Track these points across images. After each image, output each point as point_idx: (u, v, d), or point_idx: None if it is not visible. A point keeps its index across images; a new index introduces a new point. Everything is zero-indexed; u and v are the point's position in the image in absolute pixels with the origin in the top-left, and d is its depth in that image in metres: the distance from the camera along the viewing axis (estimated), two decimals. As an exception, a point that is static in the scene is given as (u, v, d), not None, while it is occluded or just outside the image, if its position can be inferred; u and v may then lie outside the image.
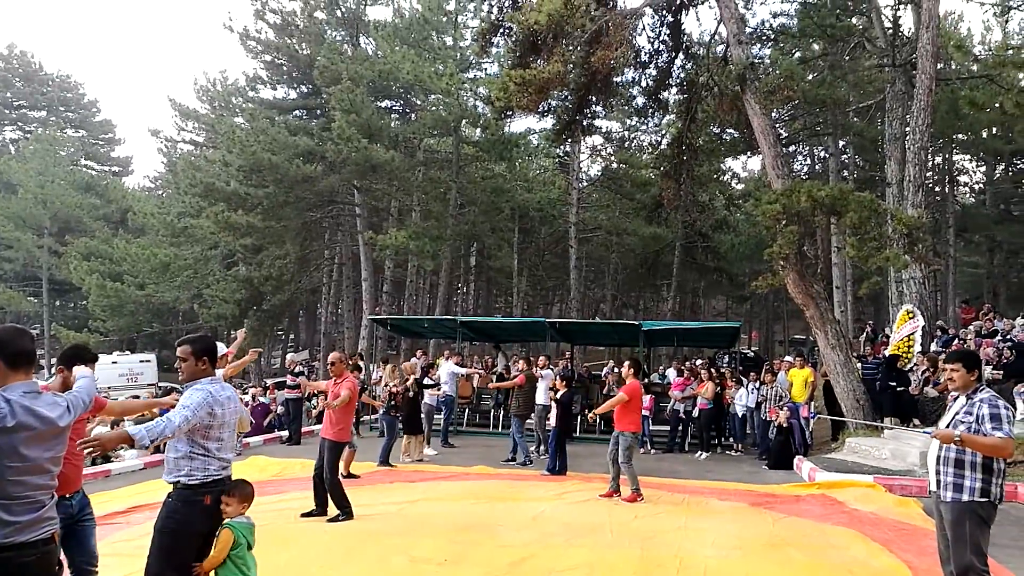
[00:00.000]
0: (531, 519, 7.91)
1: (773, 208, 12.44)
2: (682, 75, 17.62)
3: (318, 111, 33.28)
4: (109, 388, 26.83)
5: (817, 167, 34.13)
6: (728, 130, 19.77)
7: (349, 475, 9.81)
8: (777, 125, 18.96)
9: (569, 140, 25.30)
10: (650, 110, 18.86)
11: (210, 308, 32.25)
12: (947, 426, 4.37)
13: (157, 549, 3.99)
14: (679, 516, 8.17)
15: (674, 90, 18.13)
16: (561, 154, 34.00)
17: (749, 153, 26.79)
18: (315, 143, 27.55)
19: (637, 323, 17.08)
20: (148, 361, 32.87)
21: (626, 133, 33.25)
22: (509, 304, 39.26)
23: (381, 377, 16.80)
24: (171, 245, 33.70)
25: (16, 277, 44.00)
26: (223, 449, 4.22)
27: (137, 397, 17.62)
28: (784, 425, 12.48)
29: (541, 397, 12.60)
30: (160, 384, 29.13)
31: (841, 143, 27.49)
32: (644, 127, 28.51)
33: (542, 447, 12.78)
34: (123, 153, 57.25)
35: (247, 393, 17.52)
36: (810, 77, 20.32)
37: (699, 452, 13.86)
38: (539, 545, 6.80)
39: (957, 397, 4.62)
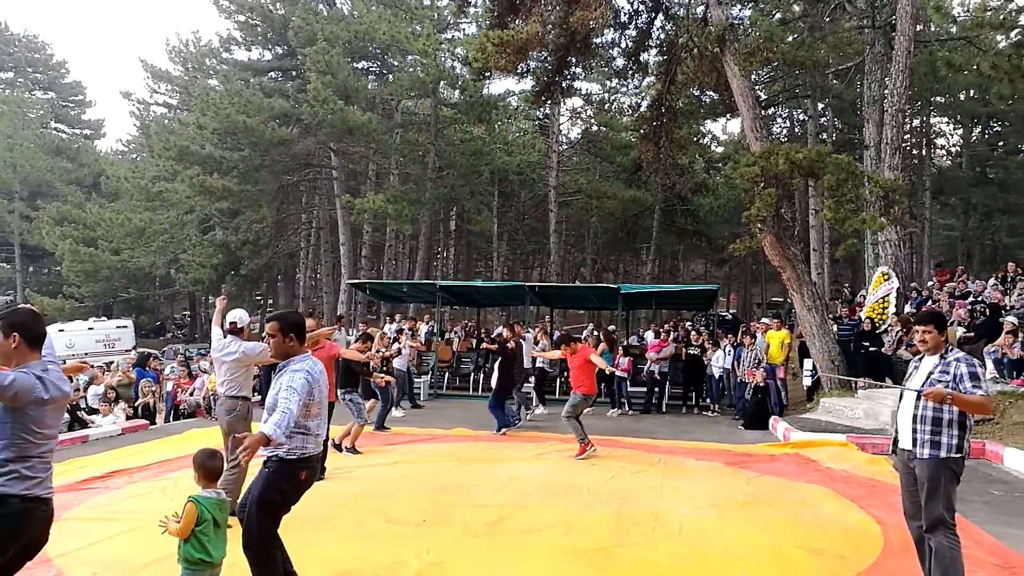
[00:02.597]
0: (509, 479, 7.99)
1: (751, 171, 12.45)
2: (662, 36, 17.49)
3: (293, 73, 32.74)
4: (86, 354, 26.56)
5: (796, 130, 34.15)
6: (708, 92, 19.70)
7: (352, 450, 9.30)
8: (756, 87, 18.89)
9: (549, 102, 25.07)
10: (630, 72, 18.72)
11: (187, 273, 31.95)
12: (923, 386, 4.43)
13: (255, 517, 4.11)
14: (655, 476, 8.28)
15: (654, 51, 18.01)
16: (541, 116, 33.77)
17: (729, 116, 26.80)
18: (291, 105, 27.18)
19: (616, 286, 17.12)
20: (125, 327, 32.51)
21: (606, 95, 33.03)
22: (489, 268, 39.21)
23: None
24: (146, 210, 33.28)
25: (-13, 243, 43.34)
26: (320, 426, 4.33)
27: (112, 363, 17.46)
28: (761, 385, 12.64)
29: (524, 360, 12.74)
30: (138, 349, 28.89)
31: (820, 106, 27.48)
32: (624, 89, 28.43)
33: (523, 409, 12.93)
34: (94, 116, 56.52)
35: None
36: (790, 39, 20.17)
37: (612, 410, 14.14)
38: (517, 505, 6.87)
39: (922, 357, 4.68)
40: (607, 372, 9.96)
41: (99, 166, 41.31)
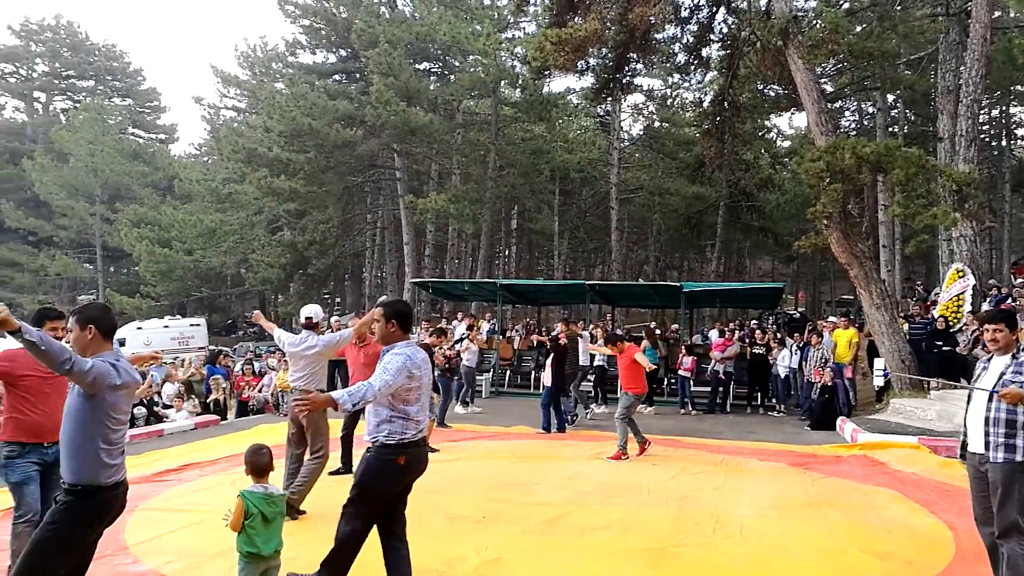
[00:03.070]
0: (568, 478, 8.00)
1: (816, 166, 12.17)
2: (723, 30, 17.22)
3: (357, 75, 33.30)
4: (162, 351, 27.55)
5: (865, 123, 33.16)
6: (772, 87, 19.30)
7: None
8: (822, 80, 18.46)
9: (609, 99, 24.95)
10: (691, 67, 18.49)
11: (256, 272, 32.90)
12: (994, 387, 4.29)
13: (356, 499, 4.24)
14: (717, 476, 8.18)
15: (716, 46, 17.76)
16: (601, 113, 33.57)
17: (794, 110, 26.15)
18: (355, 107, 27.65)
19: (678, 284, 16.94)
20: (198, 325, 33.66)
21: (668, 91, 32.68)
22: (550, 267, 39.20)
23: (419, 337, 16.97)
24: (217, 211, 34.32)
25: (71, 244, 45.21)
26: (421, 411, 4.37)
27: (180, 358, 18.08)
28: (828, 385, 12.35)
29: (582, 357, 12.70)
30: (210, 347, 29.81)
31: (891, 97, 26.62)
32: (686, 84, 28.01)
33: (579, 406, 13.00)
34: (168, 121, 58.34)
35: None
36: (858, 29, 19.62)
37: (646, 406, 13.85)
38: (575, 504, 6.88)
39: (991, 357, 4.53)
40: (646, 369, 9.83)
41: (173, 169, 42.77)
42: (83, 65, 54.54)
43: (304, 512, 6.34)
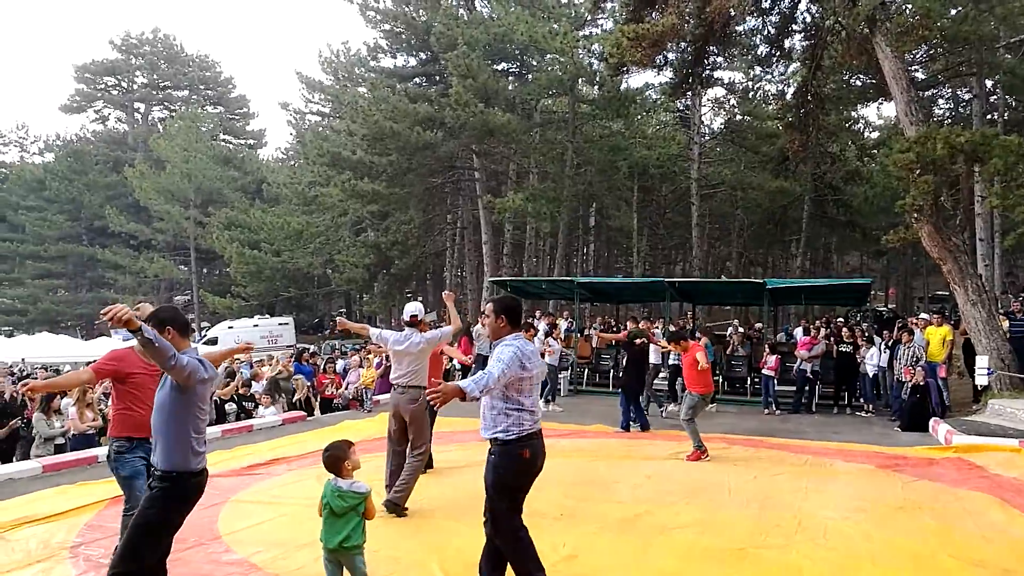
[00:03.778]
0: (646, 477, 7.97)
1: (906, 157, 11.72)
2: (806, 19, 16.74)
3: (436, 77, 33.77)
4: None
5: (961, 110, 31.62)
6: (858, 76, 18.65)
7: None
8: (913, 67, 17.74)
9: (689, 93, 24.58)
10: (773, 58, 18.05)
11: (341, 273, 33.82)
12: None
13: (494, 504, 4.34)
14: (800, 478, 8.00)
15: (798, 36, 17.25)
16: (681, 108, 33.06)
17: (882, 99, 25.16)
18: (434, 109, 28.04)
19: (761, 281, 16.58)
20: (286, 324, 34.91)
21: (749, 83, 31.85)
22: (629, 264, 38.87)
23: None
24: (303, 213, 35.39)
25: (168, 247, 47.42)
26: (536, 403, 4.49)
27: (271, 357, 18.73)
28: (920, 384, 11.88)
29: (652, 356, 12.59)
30: (297, 345, 30.80)
31: (989, 83, 25.30)
32: (768, 76, 27.30)
33: (652, 404, 12.96)
34: (257, 126, 60.35)
35: (376, 353, 18.26)
36: (952, 13, 18.76)
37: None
38: (654, 503, 6.86)
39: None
40: (701, 367, 9.64)
41: (261, 173, 44.36)
42: (178, 76, 57.15)
43: (407, 510, 6.44)
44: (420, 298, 45.17)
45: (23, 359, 22.84)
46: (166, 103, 58.94)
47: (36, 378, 14.88)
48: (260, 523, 6.24)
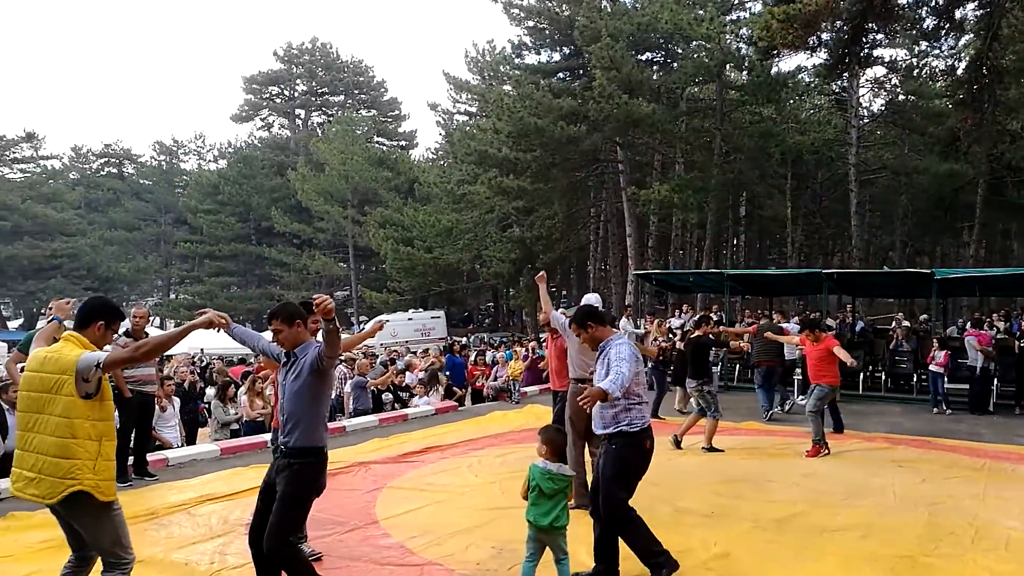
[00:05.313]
0: (802, 476, 7.65)
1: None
2: (982, -14, 15.43)
3: (580, 71, 33.75)
4: (407, 342, 29.92)
5: None
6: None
7: (711, 448, 8.85)
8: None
9: (845, 74, 23.25)
10: (942, 31, 16.75)
11: (489, 268, 34.57)
12: None
13: (613, 493, 4.56)
14: (977, 483, 7.42)
15: (971, 5, 15.92)
16: (837, 90, 31.34)
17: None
18: (578, 103, 28.06)
19: (929, 271, 15.43)
20: (438, 317, 36.17)
21: (914, 60, 29.70)
22: (782, 255, 37.31)
23: (647, 331, 16.94)
24: (452, 211, 36.45)
25: (328, 245, 50.17)
26: (645, 394, 4.79)
27: (427, 350, 19.44)
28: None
29: (787, 350, 12.35)
30: (448, 338, 31.75)
31: None
32: (935, 51, 25.36)
33: (786, 404, 12.57)
34: (408, 128, 62.52)
35: (523, 346, 18.57)
36: None
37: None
38: (810, 503, 6.58)
39: None
40: (849, 366, 9.05)
41: (413, 173, 46.00)
42: (335, 82, 60.29)
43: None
44: (564, 292, 45.41)
45: (202, 349, 24.75)
46: (324, 108, 62.31)
47: (214, 368, 16.22)
48: (415, 509, 6.50)
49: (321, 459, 4.21)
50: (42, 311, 50.76)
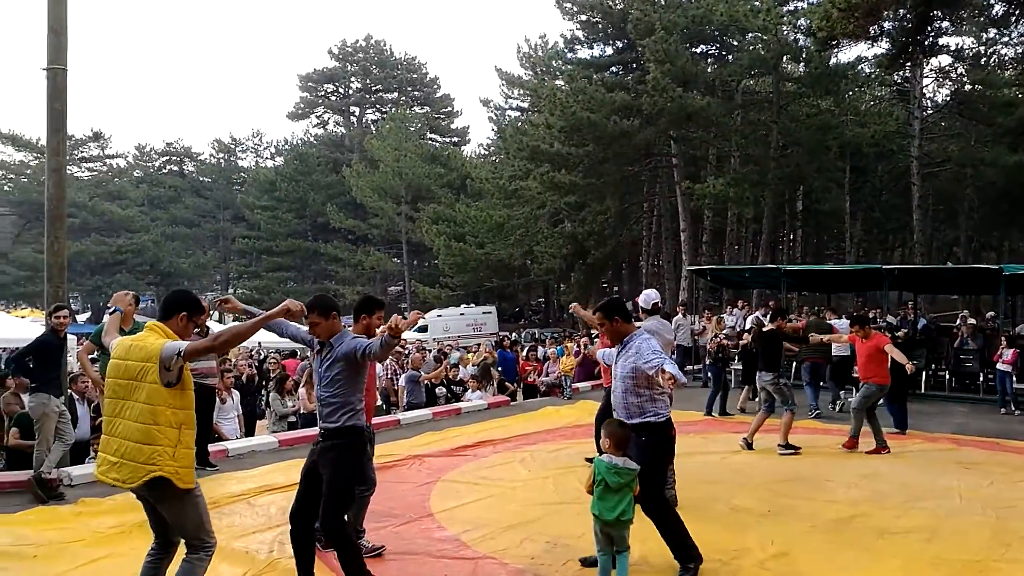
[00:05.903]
0: (862, 476, 7.47)
1: None
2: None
3: (633, 65, 33.46)
4: (459, 337, 30.13)
5: None
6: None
7: (788, 447, 8.52)
8: None
9: (908, 64, 22.58)
10: (1012, 17, 16.13)
11: (540, 263, 34.58)
12: None
13: (649, 483, 4.64)
14: (1048, 486, 7.16)
15: (1045, -10, 15.31)
16: (899, 81, 30.47)
17: None
18: (631, 97, 27.84)
19: (996, 267, 14.90)
20: (489, 312, 36.32)
21: (981, 48, 28.69)
22: (841, 250, 36.46)
23: (704, 328, 16.75)
24: (504, 207, 36.52)
25: (382, 241, 50.76)
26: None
27: (479, 345, 19.56)
28: None
29: (835, 348, 12.17)
30: (499, 333, 31.84)
31: None
32: (1005, 39, 24.45)
33: (837, 403, 12.34)
34: (460, 124, 62.72)
35: (575, 341, 18.52)
36: None
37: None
38: (871, 504, 6.43)
39: None
40: (908, 370, 8.72)
41: (465, 169, 46.22)
42: (388, 79, 60.87)
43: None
44: (616, 288, 45.13)
45: (259, 343, 25.22)
46: (378, 105, 62.95)
47: (273, 360, 16.55)
48: (468, 503, 6.54)
49: (360, 439, 4.39)
50: (107, 305, 52.50)
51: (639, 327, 4.95)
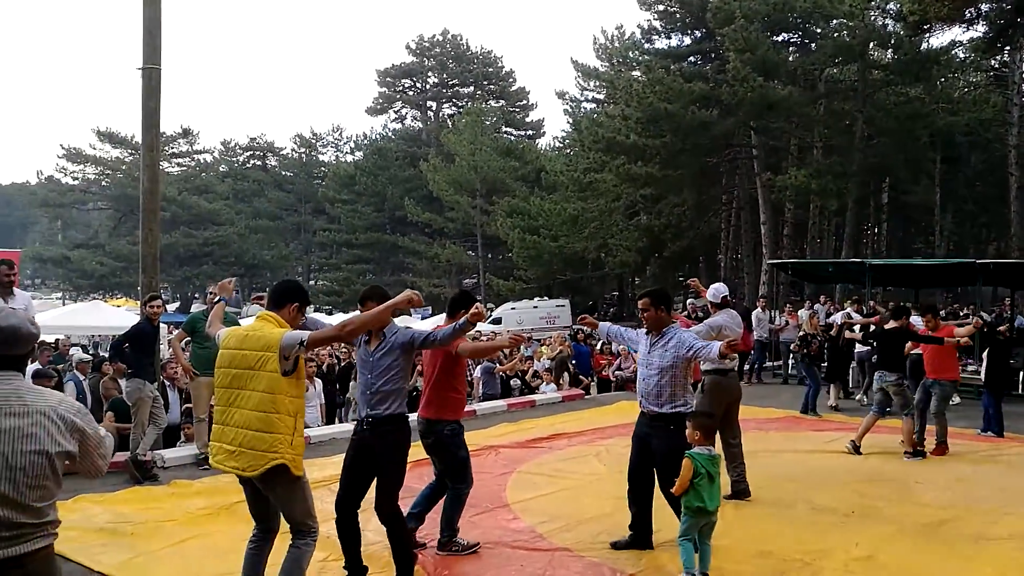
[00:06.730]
0: (955, 479, 7.19)
1: None
2: None
3: (712, 55, 32.81)
4: (532, 329, 30.17)
5: None
6: None
7: (916, 452, 8.15)
8: None
9: (1007, 48, 21.48)
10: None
11: (615, 256, 34.31)
12: None
13: (673, 462, 4.76)
14: None
15: None
16: (996, 66, 29.02)
17: None
18: (710, 88, 27.33)
19: (1103, 262, 14.05)
20: (563, 305, 36.23)
21: (1089, 30, 27.05)
22: (929, 244, 35.00)
23: (787, 322, 16.31)
24: (578, 199, 36.35)
25: (458, 234, 51.22)
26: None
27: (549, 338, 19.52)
28: None
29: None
30: (573, 326, 31.68)
31: None
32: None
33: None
34: (535, 117, 62.66)
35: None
36: None
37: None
38: (964, 508, 6.18)
39: None
40: (961, 342, 8.50)
41: (539, 162, 46.17)
42: (465, 73, 61.29)
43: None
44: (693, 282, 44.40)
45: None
46: (454, 100, 63.43)
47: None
48: (544, 495, 6.58)
49: (407, 427, 4.54)
50: (195, 295, 54.70)
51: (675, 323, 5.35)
